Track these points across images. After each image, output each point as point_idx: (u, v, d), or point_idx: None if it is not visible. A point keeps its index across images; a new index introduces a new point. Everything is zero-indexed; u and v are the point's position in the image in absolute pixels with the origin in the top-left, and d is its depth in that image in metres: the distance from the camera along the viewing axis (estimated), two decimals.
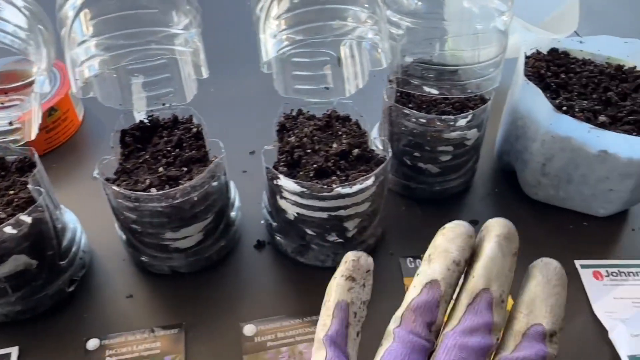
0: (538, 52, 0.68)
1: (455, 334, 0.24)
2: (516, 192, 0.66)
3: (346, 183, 0.50)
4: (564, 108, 0.59)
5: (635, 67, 0.66)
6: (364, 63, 0.55)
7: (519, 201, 0.66)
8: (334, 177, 0.51)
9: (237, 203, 0.60)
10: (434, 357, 0.24)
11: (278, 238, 0.58)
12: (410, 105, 0.60)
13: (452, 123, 0.57)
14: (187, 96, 0.56)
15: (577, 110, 0.58)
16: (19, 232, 0.48)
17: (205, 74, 0.53)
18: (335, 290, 0.27)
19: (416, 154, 0.61)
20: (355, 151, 0.54)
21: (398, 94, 0.61)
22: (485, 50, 0.57)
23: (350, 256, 0.27)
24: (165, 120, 0.58)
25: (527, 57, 0.67)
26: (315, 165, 0.52)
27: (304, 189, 0.50)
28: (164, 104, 0.57)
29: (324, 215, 0.52)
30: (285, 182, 0.51)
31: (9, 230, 0.47)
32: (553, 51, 0.69)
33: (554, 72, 0.65)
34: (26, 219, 0.48)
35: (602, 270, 0.58)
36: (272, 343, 0.52)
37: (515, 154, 0.64)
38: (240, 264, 0.59)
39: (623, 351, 0.50)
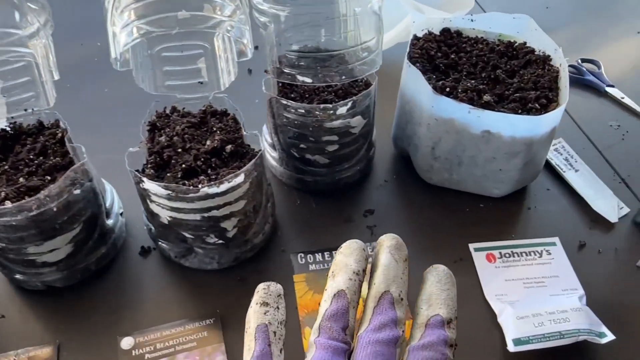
0: (429, 33, 0.67)
1: (367, 333, 0.28)
2: (414, 178, 0.65)
3: (212, 182, 0.47)
4: (447, 89, 0.57)
5: (525, 43, 0.65)
6: (233, 55, 0.52)
7: (416, 187, 0.64)
8: (202, 177, 0.49)
9: (116, 209, 0.57)
10: (353, 356, 0.28)
11: (161, 243, 0.55)
12: (292, 95, 0.58)
13: (332, 111, 0.55)
14: (49, 100, 0.52)
15: (460, 91, 0.57)
16: None
17: (55, 76, 0.49)
18: (253, 316, 0.30)
19: (302, 145, 0.58)
20: (229, 147, 0.51)
21: (280, 85, 0.59)
22: (363, 33, 0.56)
23: (261, 285, 0.31)
24: (30, 127, 0.55)
25: (417, 39, 0.65)
26: (184, 165, 0.50)
27: (170, 192, 0.48)
28: (25, 110, 0.53)
29: (197, 217, 0.50)
30: (149, 185, 0.48)
31: None
32: (445, 31, 0.67)
33: (445, 53, 0.64)
34: None
35: (496, 252, 0.57)
36: (150, 355, 0.49)
37: (407, 139, 0.63)
38: (123, 273, 0.56)
39: (509, 335, 0.49)
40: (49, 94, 0.52)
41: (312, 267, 0.56)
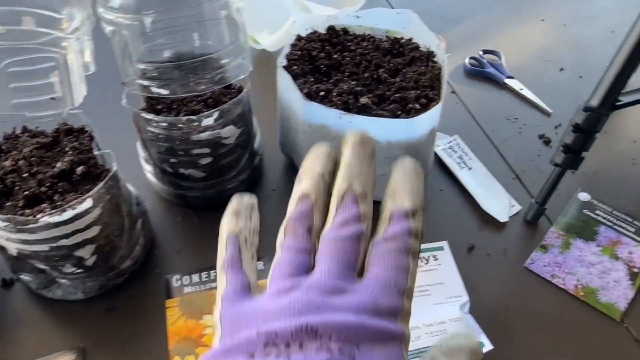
0: (314, 32, 0.64)
1: (329, 231, 0.27)
2: None
3: (54, 211, 0.43)
4: (322, 93, 0.54)
5: (411, 39, 0.63)
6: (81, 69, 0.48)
7: None
8: (44, 205, 0.45)
9: None
10: (317, 255, 0.27)
11: (21, 275, 0.51)
12: (159, 106, 0.54)
13: (196, 123, 0.51)
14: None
15: (335, 94, 0.54)
16: None
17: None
18: (225, 225, 0.30)
19: (172, 160, 0.55)
20: (80, 169, 0.47)
21: (146, 96, 0.55)
22: (229, 37, 0.52)
23: (233, 198, 0.31)
24: None
25: (300, 39, 0.62)
26: (26, 192, 0.45)
27: (7, 223, 0.43)
28: None
29: (45, 247, 0.46)
30: None
31: None
32: (331, 29, 0.64)
33: (328, 53, 0.61)
34: None
35: None
36: None
37: (290, 146, 0.60)
38: None
39: None
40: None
41: (187, 289, 0.53)
